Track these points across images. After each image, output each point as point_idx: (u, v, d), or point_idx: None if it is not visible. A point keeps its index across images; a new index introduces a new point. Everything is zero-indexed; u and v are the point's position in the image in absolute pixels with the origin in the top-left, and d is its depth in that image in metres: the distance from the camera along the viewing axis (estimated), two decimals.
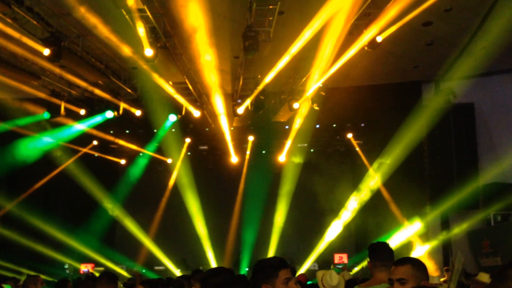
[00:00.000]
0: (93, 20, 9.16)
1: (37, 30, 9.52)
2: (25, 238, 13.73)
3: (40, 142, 14.50)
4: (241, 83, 12.04)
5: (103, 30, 9.48)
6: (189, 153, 17.14)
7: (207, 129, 15.97)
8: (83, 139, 15.45)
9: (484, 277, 5.70)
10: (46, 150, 14.67)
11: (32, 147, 14.33)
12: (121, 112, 13.47)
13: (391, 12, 8.91)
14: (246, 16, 8.97)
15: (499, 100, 13.75)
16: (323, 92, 12.13)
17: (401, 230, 14.02)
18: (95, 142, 16.22)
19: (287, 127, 15.13)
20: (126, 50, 10.22)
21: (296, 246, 16.44)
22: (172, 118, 14.06)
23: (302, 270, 15.06)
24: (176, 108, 13.67)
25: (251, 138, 16.44)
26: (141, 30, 9.04)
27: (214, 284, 2.89)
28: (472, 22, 10.34)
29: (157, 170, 17.32)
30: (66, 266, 15.24)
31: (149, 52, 9.40)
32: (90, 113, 13.70)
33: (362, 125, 16.22)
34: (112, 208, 16.33)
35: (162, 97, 13.18)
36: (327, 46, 9.93)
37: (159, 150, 16.63)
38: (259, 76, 12.06)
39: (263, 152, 17.03)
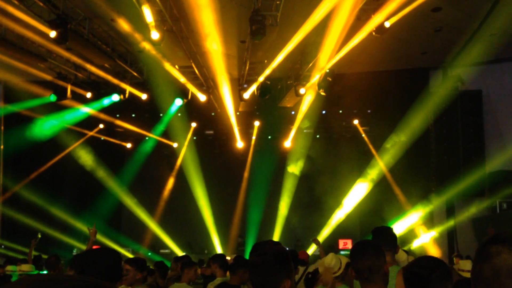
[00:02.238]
0: (99, 2, 9.13)
1: (44, 12, 9.49)
2: (32, 219, 13.82)
3: (50, 124, 14.55)
4: (247, 67, 11.99)
5: (110, 13, 9.45)
6: (195, 138, 17.16)
7: (213, 113, 15.97)
8: (90, 122, 15.50)
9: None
10: (56, 132, 14.70)
11: (42, 128, 14.39)
12: (127, 95, 13.49)
13: None
14: (253, 0, 8.91)
15: (507, 88, 13.65)
16: (330, 78, 12.07)
17: (406, 216, 14.02)
18: (101, 126, 16.27)
19: (293, 112, 15.10)
20: (132, 33, 10.18)
21: (300, 231, 16.50)
22: (178, 102, 14.06)
23: None
24: (182, 92, 13.65)
25: (257, 123, 16.42)
26: (147, 13, 9.00)
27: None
28: (481, 8, 10.23)
29: (163, 154, 17.38)
30: (74, 251, 15.36)
31: (155, 35, 9.36)
32: (96, 96, 13.72)
33: (369, 111, 16.16)
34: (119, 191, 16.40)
35: (168, 81, 13.16)
36: (335, 31, 9.86)
37: (165, 134, 16.66)
38: (265, 61, 12.01)
39: (269, 137, 17.02)
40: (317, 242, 8.15)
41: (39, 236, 8.92)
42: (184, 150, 16.80)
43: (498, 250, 1.40)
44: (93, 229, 5.80)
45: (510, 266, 1.37)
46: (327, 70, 11.80)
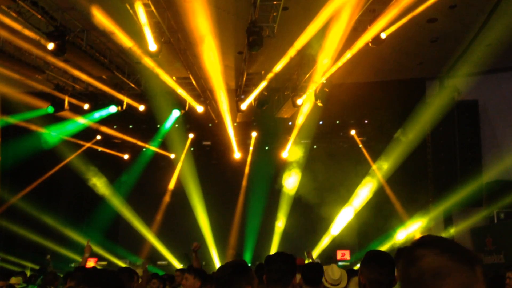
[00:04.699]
0: (97, 14, 9.17)
1: (42, 24, 9.53)
2: (29, 232, 13.78)
3: (51, 135, 14.56)
4: (244, 78, 12.03)
5: (108, 24, 9.49)
6: (192, 149, 17.17)
7: (210, 124, 15.99)
8: (87, 133, 15.49)
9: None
10: (54, 143, 14.68)
11: (47, 139, 14.40)
12: (124, 106, 13.52)
13: (395, 8, 8.89)
14: (250, 11, 8.96)
15: (504, 98, 13.69)
16: (327, 88, 12.11)
17: (404, 227, 14.01)
18: (98, 137, 16.25)
19: (290, 123, 15.13)
20: (130, 45, 10.22)
21: (298, 242, 16.45)
22: (176, 113, 14.09)
23: None
24: (179, 103, 13.68)
25: (254, 134, 16.44)
26: (145, 24, 9.04)
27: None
28: (477, 19, 10.31)
29: (160, 165, 17.35)
30: (73, 265, 15.28)
31: (153, 47, 9.40)
32: (94, 108, 13.74)
33: (366, 121, 16.19)
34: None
35: (165, 92, 13.19)
36: (331, 42, 9.91)
37: (163, 145, 16.65)
38: (262, 72, 12.06)
39: (266, 148, 17.03)
40: (309, 256, 8.19)
41: (48, 257, 8.91)
42: (181, 161, 16.79)
43: (423, 253, 1.48)
44: (87, 245, 5.96)
45: (433, 268, 1.44)
46: (324, 81, 11.85)
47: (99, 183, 15.98)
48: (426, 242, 1.52)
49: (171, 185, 17.16)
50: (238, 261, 3.06)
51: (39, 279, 9.40)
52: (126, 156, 17.39)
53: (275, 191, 16.25)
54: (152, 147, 16.65)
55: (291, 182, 16.14)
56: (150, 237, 16.39)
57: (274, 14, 9.07)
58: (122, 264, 15.36)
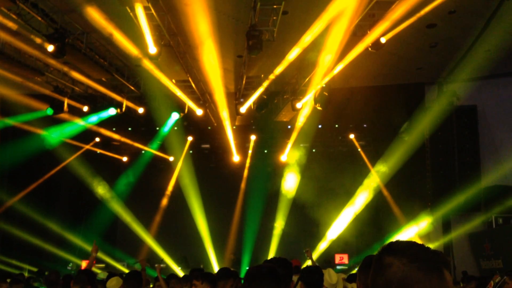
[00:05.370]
0: (97, 17, 9.19)
1: (42, 26, 9.53)
2: (27, 234, 13.75)
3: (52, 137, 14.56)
4: (244, 82, 12.04)
5: (108, 27, 9.51)
6: (191, 151, 17.16)
7: (209, 127, 15.99)
8: (86, 135, 15.47)
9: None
10: (53, 145, 14.65)
11: (49, 140, 14.40)
12: (124, 109, 13.52)
13: (395, 13, 8.91)
14: (250, 15, 8.97)
15: (502, 103, 13.74)
16: (326, 92, 12.13)
17: (402, 231, 14.01)
18: (97, 139, 16.24)
19: (289, 126, 15.14)
20: (130, 48, 10.23)
21: (297, 246, 16.43)
22: (175, 116, 14.09)
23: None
24: (178, 106, 13.69)
25: (253, 137, 16.44)
26: (145, 27, 9.05)
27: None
28: (476, 25, 10.33)
29: (159, 168, 17.32)
30: (70, 266, 15.25)
31: (153, 49, 9.41)
32: (93, 110, 13.74)
33: (365, 126, 16.20)
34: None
35: (165, 95, 13.20)
36: (331, 46, 9.93)
37: (161, 148, 16.63)
38: (262, 75, 12.07)
39: (265, 151, 17.03)
40: (309, 254, 8.23)
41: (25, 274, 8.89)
42: (180, 164, 16.77)
43: (390, 262, 1.48)
44: (94, 245, 6.01)
45: (400, 279, 1.44)
46: (324, 85, 11.86)
47: (97, 185, 15.96)
48: (394, 249, 1.52)
49: (170, 187, 17.14)
50: (273, 266, 3.09)
51: (37, 282, 9.38)
52: (125, 159, 17.36)
53: (273, 195, 16.24)
54: (151, 150, 16.64)
55: (289, 185, 16.14)
56: (148, 240, 16.36)
57: (274, 18, 9.07)
58: (120, 266, 15.32)
